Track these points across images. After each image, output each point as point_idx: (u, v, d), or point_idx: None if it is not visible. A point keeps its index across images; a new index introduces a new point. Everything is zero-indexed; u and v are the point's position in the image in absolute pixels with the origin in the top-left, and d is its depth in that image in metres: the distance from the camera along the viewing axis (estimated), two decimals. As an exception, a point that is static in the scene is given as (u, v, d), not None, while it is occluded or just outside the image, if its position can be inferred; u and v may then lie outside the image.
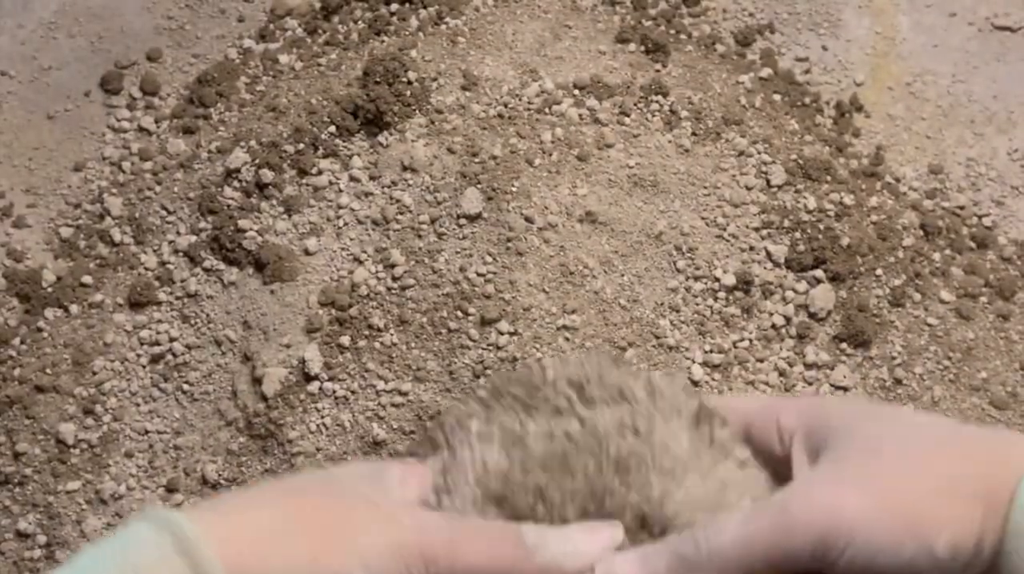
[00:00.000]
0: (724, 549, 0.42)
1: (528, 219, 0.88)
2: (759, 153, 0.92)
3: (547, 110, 0.89)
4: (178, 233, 0.94)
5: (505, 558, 0.42)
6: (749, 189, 0.89)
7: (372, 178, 0.88)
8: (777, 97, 1.02)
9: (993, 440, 0.42)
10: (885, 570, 0.41)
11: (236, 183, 0.92)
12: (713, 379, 0.88)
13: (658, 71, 0.98)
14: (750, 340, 0.88)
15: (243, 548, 0.40)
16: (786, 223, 0.89)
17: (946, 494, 0.40)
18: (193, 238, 0.92)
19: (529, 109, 0.89)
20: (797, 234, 0.89)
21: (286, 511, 0.42)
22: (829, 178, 0.94)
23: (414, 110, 0.90)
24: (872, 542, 0.40)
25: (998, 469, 0.40)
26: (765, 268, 0.88)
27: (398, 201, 0.88)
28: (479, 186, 0.88)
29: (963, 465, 0.41)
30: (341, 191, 0.88)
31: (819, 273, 0.90)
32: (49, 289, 0.93)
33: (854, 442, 0.44)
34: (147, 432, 0.88)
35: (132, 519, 0.42)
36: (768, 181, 0.90)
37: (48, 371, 0.88)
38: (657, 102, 0.93)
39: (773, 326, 0.89)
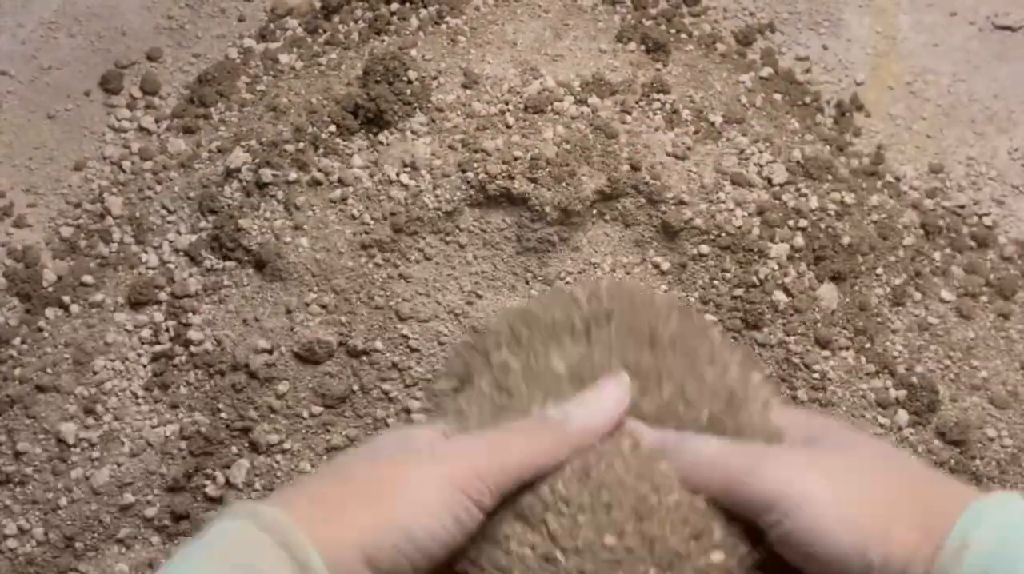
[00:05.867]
0: (701, 459, 0.46)
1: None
2: (760, 152, 0.92)
3: (548, 108, 0.89)
4: (178, 232, 0.94)
5: (544, 441, 0.46)
6: (751, 187, 0.89)
7: (373, 176, 0.88)
8: (778, 96, 1.02)
9: (943, 487, 0.47)
10: (814, 558, 0.44)
11: (236, 182, 0.92)
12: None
13: (659, 70, 0.98)
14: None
15: (322, 527, 0.43)
16: (788, 222, 0.89)
17: (894, 516, 0.44)
18: (193, 237, 0.92)
19: (529, 107, 0.89)
20: (798, 233, 0.89)
21: (343, 487, 0.45)
22: (830, 177, 0.94)
23: (415, 108, 0.90)
24: (813, 527, 0.43)
25: (937, 517, 0.44)
26: (766, 267, 0.88)
27: (398, 200, 0.88)
28: (480, 185, 0.88)
29: (913, 500, 0.45)
30: (341, 190, 0.88)
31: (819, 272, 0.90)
32: (49, 288, 0.93)
33: (839, 443, 0.49)
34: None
35: (220, 517, 0.45)
36: (770, 180, 0.90)
37: (49, 370, 0.88)
38: (658, 100, 0.93)
39: (774, 325, 0.89)
